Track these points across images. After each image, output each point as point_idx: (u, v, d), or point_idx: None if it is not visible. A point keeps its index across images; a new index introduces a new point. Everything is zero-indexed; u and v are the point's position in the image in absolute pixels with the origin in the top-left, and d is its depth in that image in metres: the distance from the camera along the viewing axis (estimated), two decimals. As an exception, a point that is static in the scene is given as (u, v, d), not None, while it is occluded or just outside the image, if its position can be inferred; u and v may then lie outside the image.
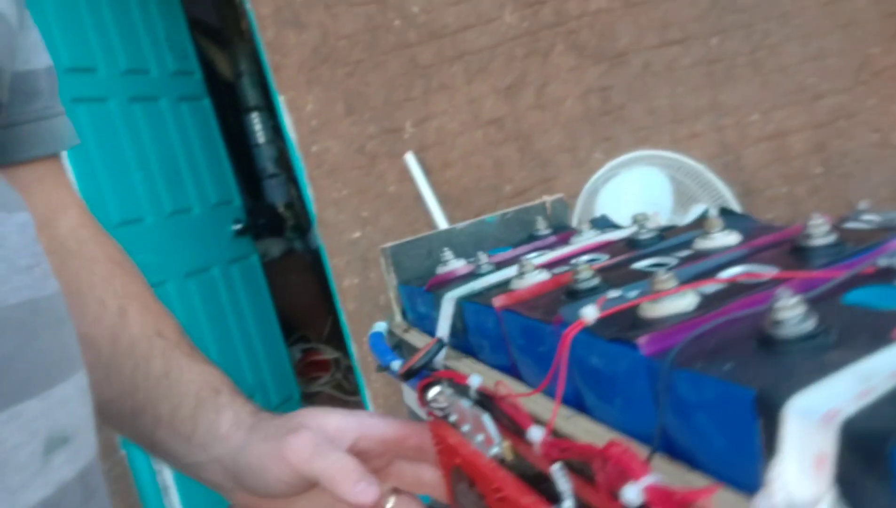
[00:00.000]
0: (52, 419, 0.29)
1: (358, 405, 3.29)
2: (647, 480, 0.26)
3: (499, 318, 0.45)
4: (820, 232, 0.37)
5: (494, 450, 0.38)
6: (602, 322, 0.34)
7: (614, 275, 0.43)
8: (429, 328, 0.60)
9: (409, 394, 0.64)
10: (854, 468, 0.21)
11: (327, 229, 2.02)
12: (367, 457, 0.46)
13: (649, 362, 0.30)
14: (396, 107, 1.97)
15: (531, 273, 0.48)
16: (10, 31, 0.39)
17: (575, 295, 0.41)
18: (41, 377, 0.29)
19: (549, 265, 0.51)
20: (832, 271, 0.32)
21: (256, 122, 4.08)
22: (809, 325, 0.27)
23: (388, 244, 0.66)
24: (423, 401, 0.45)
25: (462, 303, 0.51)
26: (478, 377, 0.39)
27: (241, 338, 2.63)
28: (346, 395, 3.34)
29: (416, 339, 0.61)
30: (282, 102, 2.02)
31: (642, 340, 0.30)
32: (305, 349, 3.38)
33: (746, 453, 0.25)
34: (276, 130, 4.33)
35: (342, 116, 1.97)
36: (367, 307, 2.03)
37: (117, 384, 0.47)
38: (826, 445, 0.21)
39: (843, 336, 0.26)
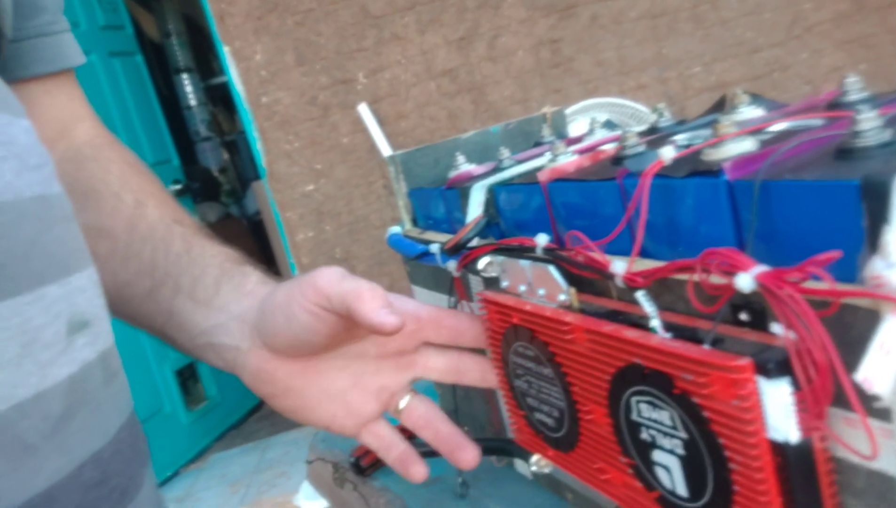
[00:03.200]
0: (71, 303, 0.32)
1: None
2: (758, 269, 0.28)
3: (544, 192, 0.47)
4: (856, 87, 0.40)
5: (562, 297, 0.40)
6: (667, 169, 0.37)
7: (658, 144, 0.46)
8: (446, 229, 0.62)
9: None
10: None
11: (279, 182, 1.99)
12: (400, 334, 0.43)
13: (734, 185, 0.33)
14: (348, 57, 1.95)
15: (565, 154, 0.50)
16: None
17: (621, 161, 0.43)
18: (59, 266, 0.32)
19: (578, 152, 0.54)
20: (883, 109, 0.36)
21: (187, 83, 3.95)
22: (888, 134, 0.30)
23: (397, 152, 0.67)
24: (472, 271, 0.46)
25: (495, 188, 0.52)
26: (544, 235, 0.41)
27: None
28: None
29: (435, 239, 0.62)
30: (227, 52, 1.97)
31: (727, 165, 0.33)
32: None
33: (846, 244, 0.28)
34: (207, 91, 4.20)
35: (293, 66, 1.94)
36: (321, 260, 2.02)
37: (135, 266, 0.48)
38: (944, 200, 0.24)
39: (918, 143, 0.29)
